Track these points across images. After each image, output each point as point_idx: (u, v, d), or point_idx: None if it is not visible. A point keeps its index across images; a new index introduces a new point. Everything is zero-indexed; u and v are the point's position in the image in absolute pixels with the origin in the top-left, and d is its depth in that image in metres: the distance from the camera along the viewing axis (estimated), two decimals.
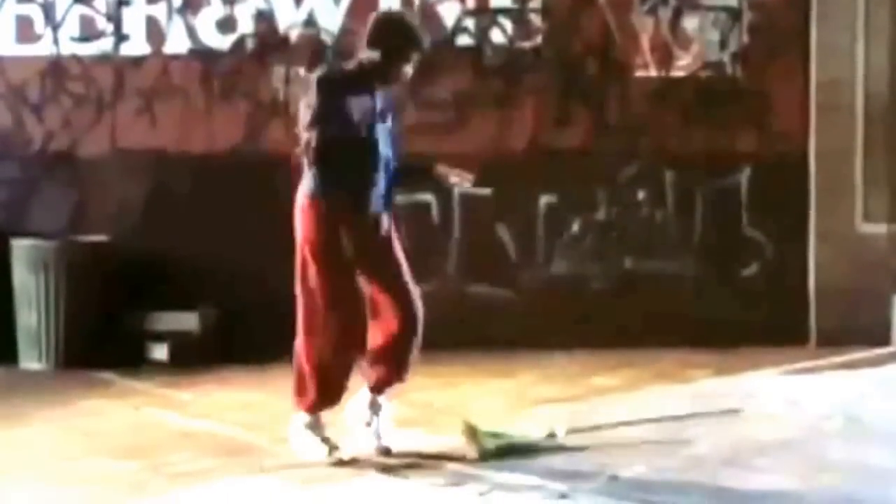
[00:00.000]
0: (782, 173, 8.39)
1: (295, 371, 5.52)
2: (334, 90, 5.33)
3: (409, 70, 5.48)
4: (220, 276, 8.18)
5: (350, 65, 5.53)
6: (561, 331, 8.12)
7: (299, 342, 5.48)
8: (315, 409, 5.50)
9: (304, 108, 5.38)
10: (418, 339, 5.54)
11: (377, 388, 5.62)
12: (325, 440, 5.49)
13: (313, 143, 5.28)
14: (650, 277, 8.45)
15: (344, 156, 5.31)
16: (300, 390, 5.50)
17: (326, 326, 5.38)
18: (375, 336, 5.52)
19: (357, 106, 5.29)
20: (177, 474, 5.39)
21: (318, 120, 5.28)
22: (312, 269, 5.40)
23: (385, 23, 5.53)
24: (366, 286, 5.50)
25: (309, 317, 5.43)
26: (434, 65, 7.75)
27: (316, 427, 5.51)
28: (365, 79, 5.41)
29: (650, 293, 8.36)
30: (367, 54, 5.44)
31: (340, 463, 5.43)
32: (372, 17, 5.56)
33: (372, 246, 5.45)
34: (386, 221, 5.51)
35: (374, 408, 5.62)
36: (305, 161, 5.41)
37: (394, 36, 5.44)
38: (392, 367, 5.56)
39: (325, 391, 5.46)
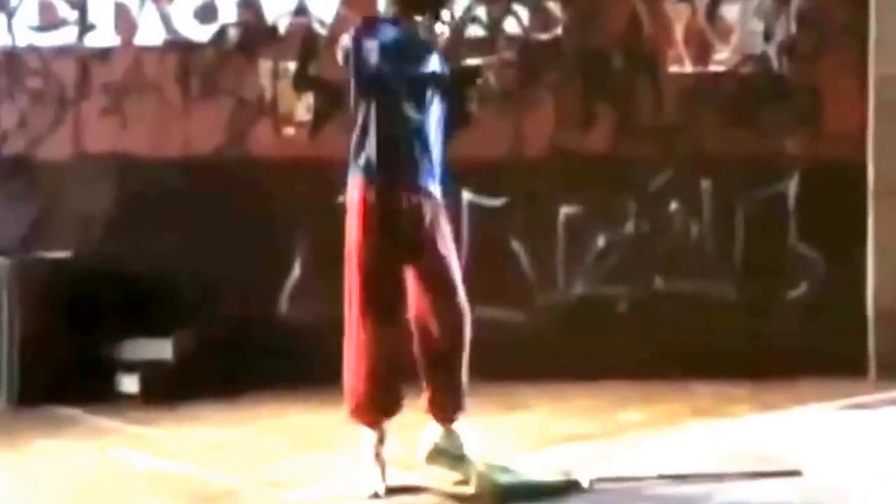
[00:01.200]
0: (836, 180, 8.37)
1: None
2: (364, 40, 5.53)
3: (443, 30, 5.75)
4: (199, 297, 8.17)
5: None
6: (582, 359, 8.06)
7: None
8: (356, 416, 5.70)
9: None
10: (462, 357, 5.81)
11: (436, 417, 5.81)
12: (379, 471, 5.65)
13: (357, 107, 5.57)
14: (684, 299, 8.41)
15: (387, 125, 5.57)
16: (348, 402, 5.71)
17: (359, 332, 5.60)
18: (418, 352, 5.78)
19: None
20: None
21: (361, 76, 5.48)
22: (353, 269, 5.60)
23: None
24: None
25: (347, 321, 5.64)
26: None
27: (376, 454, 5.69)
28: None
29: (684, 317, 8.31)
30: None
31: (375, 496, 5.57)
32: None
33: (416, 238, 5.61)
34: (432, 208, 5.67)
35: (450, 439, 5.80)
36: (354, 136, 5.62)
37: None
38: (439, 390, 5.77)
39: (366, 401, 5.65)
